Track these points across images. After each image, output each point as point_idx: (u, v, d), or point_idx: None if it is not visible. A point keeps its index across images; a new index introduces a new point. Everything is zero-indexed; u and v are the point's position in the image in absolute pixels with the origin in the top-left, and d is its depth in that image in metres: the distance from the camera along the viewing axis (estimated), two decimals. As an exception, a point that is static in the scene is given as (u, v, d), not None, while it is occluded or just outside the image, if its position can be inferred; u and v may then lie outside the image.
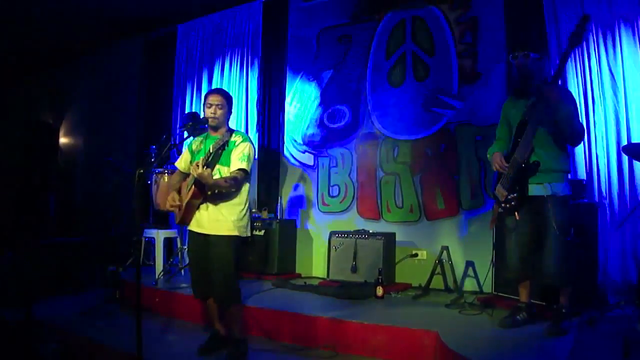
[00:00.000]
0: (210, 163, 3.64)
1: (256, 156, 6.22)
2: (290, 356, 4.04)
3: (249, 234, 3.94)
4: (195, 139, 4.07)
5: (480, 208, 5.56)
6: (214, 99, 3.87)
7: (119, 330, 4.33)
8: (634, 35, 4.76)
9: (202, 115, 3.95)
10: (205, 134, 4.00)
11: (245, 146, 3.79)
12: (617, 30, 4.81)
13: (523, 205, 3.78)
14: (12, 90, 10.64)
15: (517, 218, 3.84)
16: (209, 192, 3.73)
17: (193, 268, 4.01)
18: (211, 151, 3.51)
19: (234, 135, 3.85)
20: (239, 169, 3.72)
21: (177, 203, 3.83)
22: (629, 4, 4.78)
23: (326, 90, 6.77)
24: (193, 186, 3.71)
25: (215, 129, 3.88)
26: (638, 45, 4.73)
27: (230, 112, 3.95)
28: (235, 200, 3.82)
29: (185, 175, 4.02)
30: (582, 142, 4.26)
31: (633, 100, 4.74)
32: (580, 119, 3.92)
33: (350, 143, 6.52)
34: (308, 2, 6.87)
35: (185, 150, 4.08)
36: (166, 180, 5.77)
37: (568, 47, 3.55)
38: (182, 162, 4.07)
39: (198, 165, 3.47)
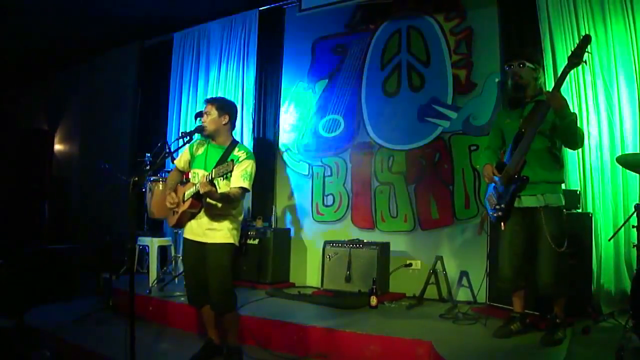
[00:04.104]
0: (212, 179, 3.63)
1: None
2: (283, 365, 4.03)
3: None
4: (198, 140, 4.06)
5: (474, 218, 5.56)
6: (205, 108, 3.91)
7: (111, 338, 4.29)
8: (628, 44, 4.78)
9: None
10: (207, 139, 4.00)
11: (249, 164, 3.77)
12: (612, 39, 4.84)
13: (510, 217, 3.79)
14: (7, 96, 10.61)
15: (503, 228, 3.85)
16: (207, 200, 3.74)
17: (188, 276, 3.99)
18: (213, 176, 3.49)
19: (237, 149, 3.85)
20: (240, 187, 3.72)
21: (176, 200, 3.83)
22: (622, 12, 4.82)
23: (321, 99, 6.79)
24: (191, 198, 3.72)
25: (210, 136, 3.89)
26: (632, 55, 4.76)
27: (225, 120, 3.90)
28: (231, 211, 3.83)
29: (182, 173, 4.06)
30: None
31: (627, 111, 4.76)
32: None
33: (345, 152, 6.53)
34: (304, 11, 6.89)
35: (186, 149, 4.06)
36: (161, 188, 5.77)
37: (567, 66, 3.55)
38: (181, 162, 4.07)
39: (206, 183, 3.49)
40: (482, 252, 5.04)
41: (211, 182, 3.54)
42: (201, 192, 3.55)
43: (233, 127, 4.01)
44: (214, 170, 3.50)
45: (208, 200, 3.70)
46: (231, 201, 3.75)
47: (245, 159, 3.78)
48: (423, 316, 4.78)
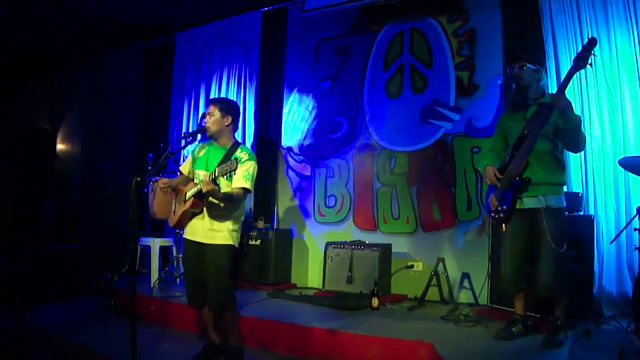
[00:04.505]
0: (214, 178, 3.63)
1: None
2: (285, 366, 4.03)
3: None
4: (200, 145, 4.06)
5: (476, 220, 5.56)
6: (208, 108, 3.92)
7: (113, 338, 4.29)
8: (631, 47, 4.77)
9: None
10: (209, 140, 4.00)
11: (251, 165, 3.77)
12: (615, 42, 4.83)
13: (512, 218, 3.79)
14: (10, 96, 10.63)
15: (504, 230, 3.85)
16: (208, 200, 3.74)
17: (187, 276, 3.98)
18: (216, 174, 3.50)
19: (239, 150, 3.84)
20: (242, 188, 3.72)
21: (167, 182, 3.87)
22: (625, 16, 4.81)
23: (324, 100, 6.79)
24: (193, 197, 3.71)
25: (213, 137, 3.90)
26: (635, 57, 4.74)
27: (228, 121, 3.88)
28: (232, 212, 3.83)
29: (186, 178, 4.03)
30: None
31: (629, 113, 4.75)
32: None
33: (347, 154, 6.53)
34: (307, 12, 6.88)
35: (189, 155, 4.09)
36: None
37: (572, 68, 3.55)
38: (186, 167, 4.08)
39: (209, 182, 3.50)
40: (483, 254, 5.03)
41: (214, 181, 3.54)
42: (204, 190, 3.55)
43: (236, 128, 4.02)
44: (217, 169, 3.50)
45: (210, 199, 3.70)
46: (233, 201, 3.75)
47: (247, 160, 3.77)
48: (424, 318, 4.77)
